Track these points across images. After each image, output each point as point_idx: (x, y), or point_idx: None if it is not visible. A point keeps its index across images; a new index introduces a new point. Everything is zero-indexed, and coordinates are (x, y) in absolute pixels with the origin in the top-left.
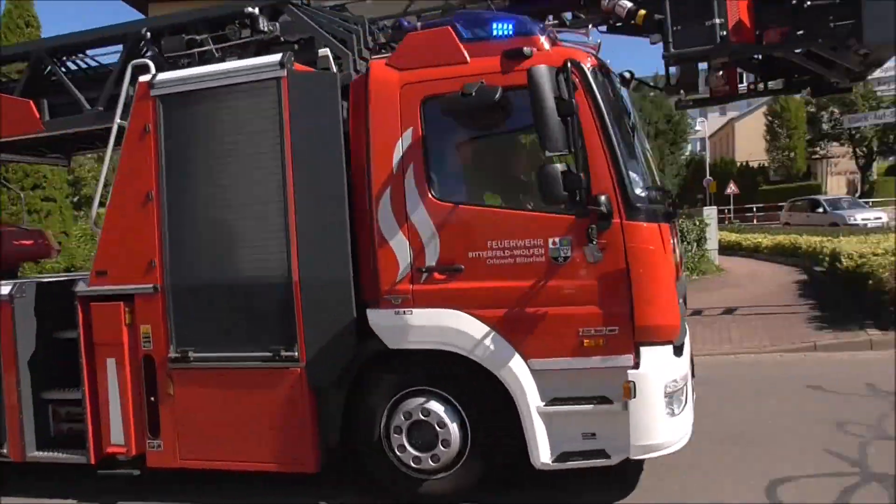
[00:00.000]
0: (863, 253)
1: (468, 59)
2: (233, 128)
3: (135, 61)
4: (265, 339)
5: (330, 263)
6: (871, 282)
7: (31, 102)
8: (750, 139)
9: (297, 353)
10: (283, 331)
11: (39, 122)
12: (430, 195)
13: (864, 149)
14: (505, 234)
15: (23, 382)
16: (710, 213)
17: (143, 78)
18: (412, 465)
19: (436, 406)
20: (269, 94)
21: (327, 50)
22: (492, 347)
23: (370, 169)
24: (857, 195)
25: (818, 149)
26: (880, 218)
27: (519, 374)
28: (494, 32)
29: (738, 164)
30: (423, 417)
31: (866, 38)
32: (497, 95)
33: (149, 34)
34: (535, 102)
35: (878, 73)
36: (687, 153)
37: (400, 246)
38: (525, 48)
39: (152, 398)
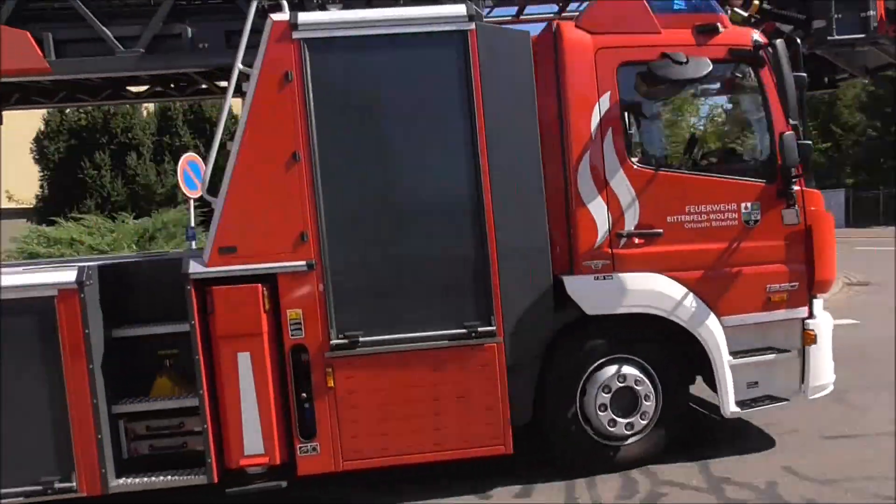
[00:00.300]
0: None
1: (660, 29)
2: (406, 82)
3: None
4: (456, 316)
5: (528, 231)
6: None
7: (29, 34)
8: None
9: (494, 328)
10: (477, 305)
11: (43, 59)
12: (628, 161)
13: None
14: (702, 200)
15: (98, 393)
16: None
17: (278, 17)
18: (611, 432)
19: (631, 371)
20: (453, 47)
21: None
22: (691, 308)
23: (567, 133)
24: None
25: None
26: None
27: (715, 331)
28: (674, 6)
29: None
30: (620, 384)
31: None
32: (710, 67)
33: None
34: (779, 76)
35: None
36: None
37: (599, 211)
38: (717, 24)
39: (304, 394)
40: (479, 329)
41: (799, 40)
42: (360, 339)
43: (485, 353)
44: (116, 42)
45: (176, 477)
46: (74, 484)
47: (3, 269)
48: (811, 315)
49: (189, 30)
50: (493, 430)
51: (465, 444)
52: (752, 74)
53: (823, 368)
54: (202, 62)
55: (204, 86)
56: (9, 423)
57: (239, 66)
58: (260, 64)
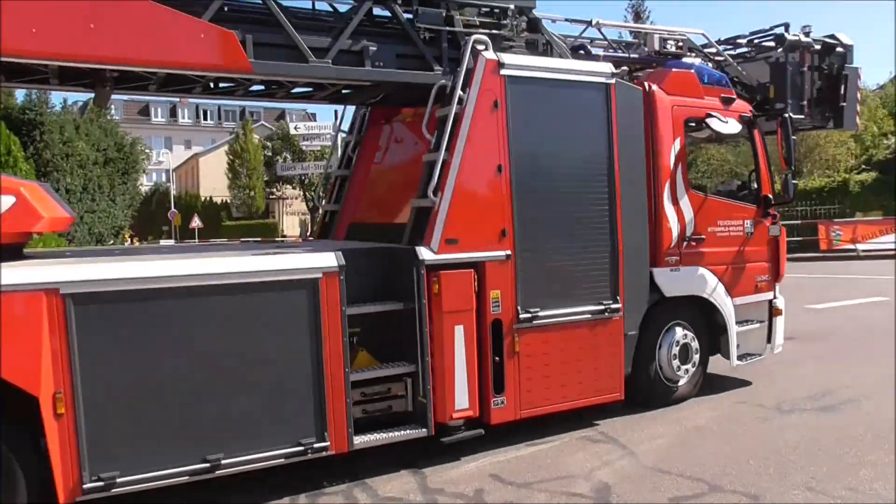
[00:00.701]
0: None
1: (703, 95)
2: (568, 116)
3: (477, 36)
4: (596, 296)
5: (638, 234)
6: None
7: (235, 35)
8: (213, 175)
9: (619, 306)
10: (610, 288)
11: (247, 59)
12: (690, 188)
13: (312, 193)
14: (726, 217)
15: (347, 363)
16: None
17: (489, 55)
18: (676, 376)
19: (687, 332)
20: (600, 95)
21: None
22: (720, 292)
23: (657, 166)
24: (308, 234)
25: (275, 189)
26: None
27: (730, 307)
28: (704, 80)
29: (203, 198)
30: (682, 342)
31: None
32: (740, 128)
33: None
34: (787, 135)
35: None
36: (148, 183)
37: (673, 222)
38: (734, 96)
39: (497, 359)
40: (611, 306)
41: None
42: (539, 314)
43: (613, 324)
44: (309, 52)
45: (401, 433)
46: (328, 444)
47: (260, 252)
48: (776, 297)
49: (370, 48)
50: (615, 383)
51: (596, 393)
52: (748, 133)
53: (781, 333)
54: (378, 77)
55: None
56: (274, 391)
57: (459, 91)
58: (476, 92)
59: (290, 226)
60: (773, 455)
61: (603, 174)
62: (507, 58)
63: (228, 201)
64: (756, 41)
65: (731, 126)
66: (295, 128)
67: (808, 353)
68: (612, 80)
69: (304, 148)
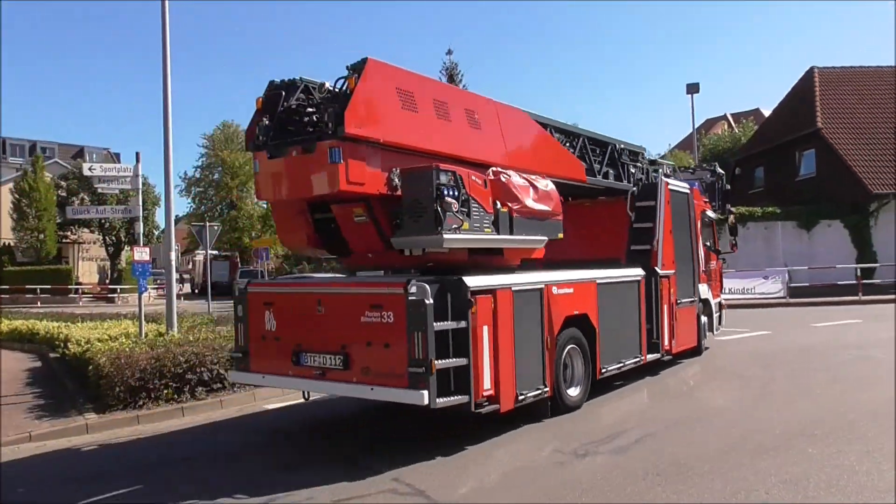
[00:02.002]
0: (89, 338)
1: (701, 199)
2: (679, 206)
3: (662, 170)
4: (688, 292)
5: (694, 268)
6: (91, 367)
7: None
8: None
9: (695, 299)
10: (694, 291)
11: (585, 177)
12: (704, 245)
13: (114, 237)
14: (710, 258)
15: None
16: None
17: (665, 179)
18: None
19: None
20: (687, 198)
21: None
22: (711, 296)
23: (694, 233)
24: (108, 281)
25: (69, 233)
26: None
27: (714, 303)
28: (692, 185)
29: None
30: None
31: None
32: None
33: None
34: (733, 220)
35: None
36: None
37: (700, 262)
38: (706, 200)
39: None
40: (694, 299)
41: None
42: (681, 300)
43: (692, 309)
44: (624, 181)
45: None
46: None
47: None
48: (719, 298)
49: (610, 171)
50: (695, 342)
51: (685, 347)
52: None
53: (723, 319)
54: (616, 186)
55: None
56: (629, 340)
57: (709, 213)
58: (662, 196)
59: (87, 272)
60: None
61: (689, 234)
62: (669, 180)
63: (12, 244)
64: (696, 169)
65: (713, 215)
66: (90, 168)
67: (652, 385)
68: (689, 190)
69: (100, 190)
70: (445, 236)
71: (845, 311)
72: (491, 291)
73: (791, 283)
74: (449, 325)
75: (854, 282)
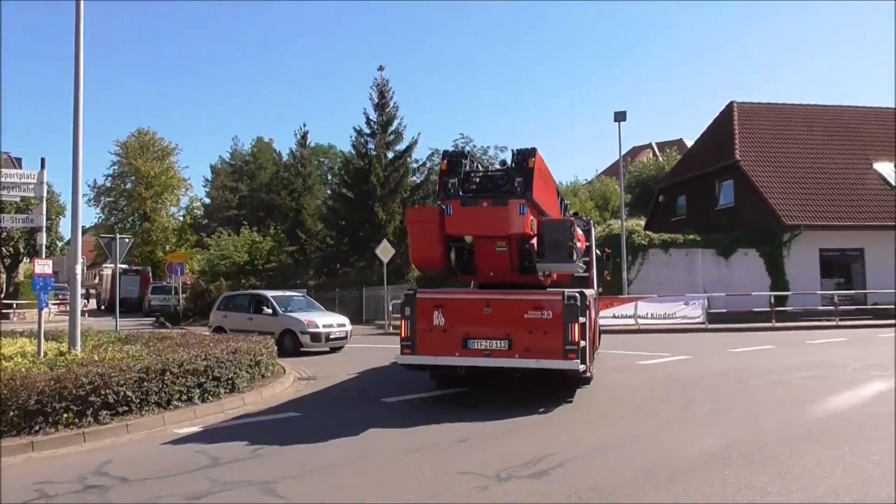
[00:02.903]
0: None
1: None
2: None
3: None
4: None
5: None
6: None
7: None
8: None
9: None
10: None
11: None
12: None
13: (11, 248)
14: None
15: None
16: None
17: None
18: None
19: None
20: (591, 231)
21: None
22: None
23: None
24: (3, 296)
25: None
26: (344, 325)
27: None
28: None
29: None
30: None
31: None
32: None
33: None
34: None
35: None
36: None
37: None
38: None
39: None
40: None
41: None
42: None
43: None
44: None
45: None
46: None
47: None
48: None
49: None
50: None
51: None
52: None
53: None
54: None
55: None
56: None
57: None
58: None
59: None
60: None
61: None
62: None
63: None
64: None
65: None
66: None
67: (573, 410)
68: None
69: None
70: (578, 265)
71: (760, 336)
72: (590, 298)
73: (710, 308)
74: (581, 319)
75: (768, 309)
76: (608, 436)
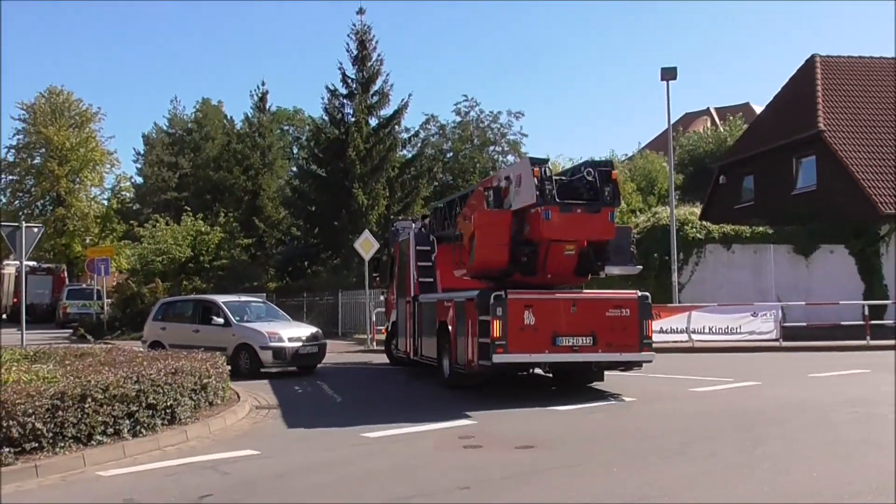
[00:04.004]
0: None
1: None
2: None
3: None
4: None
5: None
6: None
7: None
8: None
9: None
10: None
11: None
12: None
13: None
14: None
15: None
16: None
17: None
18: None
19: None
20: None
21: None
22: None
23: None
24: None
25: None
26: (316, 339)
27: None
28: None
29: None
30: None
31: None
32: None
33: None
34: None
35: None
36: None
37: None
38: None
39: None
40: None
41: None
42: None
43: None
44: None
45: None
46: None
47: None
48: None
49: None
50: None
51: None
52: None
53: None
54: None
55: None
56: None
57: None
58: None
59: None
60: None
61: None
62: None
63: None
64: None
65: None
66: None
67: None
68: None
69: None
70: (638, 267)
71: (850, 358)
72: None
73: (785, 321)
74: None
75: (861, 322)
76: (644, 484)
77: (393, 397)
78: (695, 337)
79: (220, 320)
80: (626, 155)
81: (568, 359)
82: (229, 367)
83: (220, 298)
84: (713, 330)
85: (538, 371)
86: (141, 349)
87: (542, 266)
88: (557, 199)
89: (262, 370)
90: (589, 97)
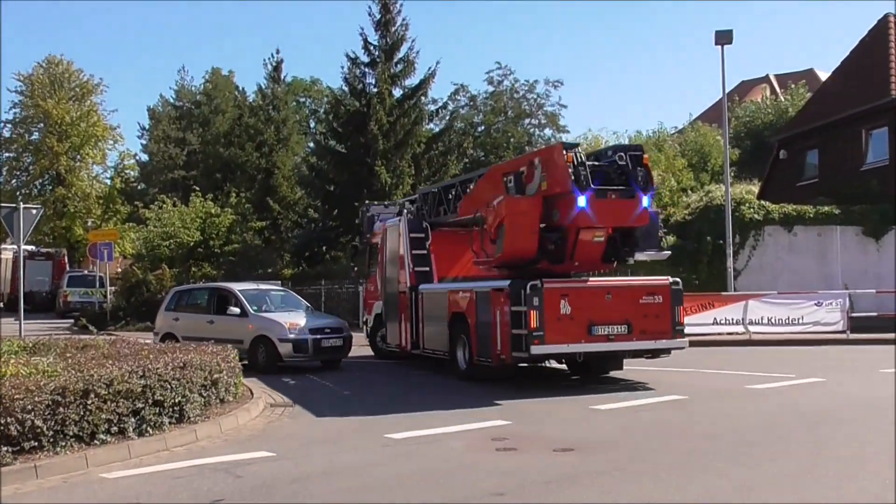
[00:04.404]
0: None
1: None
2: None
3: None
4: None
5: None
6: None
7: None
8: None
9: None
10: None
11: None
12: None
13: None
14: None
15: None
16: None
17: None
18: None
19: None
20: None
21: None
22: None
23: None
24: None
25: None
26: (341, 331)
27: None
28: None
29: None
30: None
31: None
32: None
33: None
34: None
35: None
36: None
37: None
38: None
39: None
40: None
41: None
42: None
43: None
44: None
45: None
46: None
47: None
48: None
49: None
50: None
51: None
52: None
53: None
54: None
55: None
56: None
57: None
58: None
59: None
60: None
61: None
62: None
63: None
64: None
65: None
66: None
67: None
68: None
69: None
70: (666, 253)
71: None
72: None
73: (853, 311)
74: None
75: None
76: (697, 491)
77: (417, 392)
78: (752, 329)
79: (237, 310)
80: (676, 128)
81: (604, 348)
82: (241, 361)
83: (237, 286)
84: (772, 321)
85: (552, 362)
86: (150, 342)
87: (570, 254)
88: (593, 185)
89: (282, 364)
90: (635, 64)
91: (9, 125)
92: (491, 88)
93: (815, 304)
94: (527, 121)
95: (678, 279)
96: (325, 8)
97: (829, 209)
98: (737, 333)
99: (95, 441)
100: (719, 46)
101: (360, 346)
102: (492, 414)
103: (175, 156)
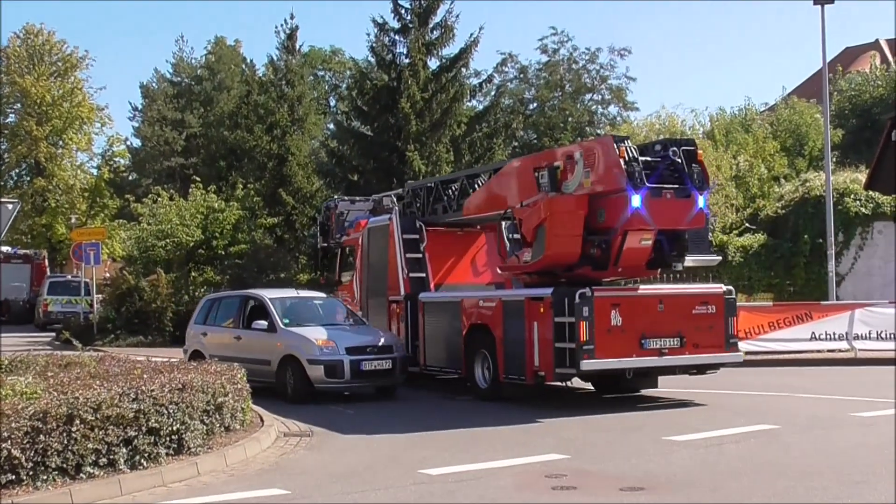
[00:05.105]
0: None
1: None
2: None
3: None
4: None
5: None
6: None
7: None
8: None
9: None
10: None
11: None
12: None
13: None
14: None
15: None
16: None
17: None
18: None
19: None
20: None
21: None
22: None
23: None
24: None
25: None
26: (391, 349)
27: None
28: None
29: None
30: None
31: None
32: None
33: None
34: None
35: None
36: None
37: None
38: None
39: None
40: None
41: None
42: None
43: None
44: None
45: None
46: None
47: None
48: None
49: None
50: None
51: None
52: None
53: None
54: None
55: None
56: None
57: None
58: None
59: None
60: None
61: None
62: None
63: None
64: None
65: None
66: None
67: None
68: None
69: None
70: (717, 258)
71: None
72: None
73: None
74: None
75: None
76: None
77: (447, 415)
78: (858, 345)
79: (263, 324)
80: (766, 104)
81: (656, 363)
82: (247, 385)
83: (269, 293)
84: (883, 336)
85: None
86: (142, 359)
87: (614, 259)
88: (648, 184)
89: (312, 391)
90: (716, 29)
91: None
92: (545, 58)
93: None
94: (588, 96)
95: (731, 287)
96: None
97: None
98: (840, 350)
99: (81, 474)
100: (819, 6)
101: None
102: (543, 444)
103: (172, 140)
